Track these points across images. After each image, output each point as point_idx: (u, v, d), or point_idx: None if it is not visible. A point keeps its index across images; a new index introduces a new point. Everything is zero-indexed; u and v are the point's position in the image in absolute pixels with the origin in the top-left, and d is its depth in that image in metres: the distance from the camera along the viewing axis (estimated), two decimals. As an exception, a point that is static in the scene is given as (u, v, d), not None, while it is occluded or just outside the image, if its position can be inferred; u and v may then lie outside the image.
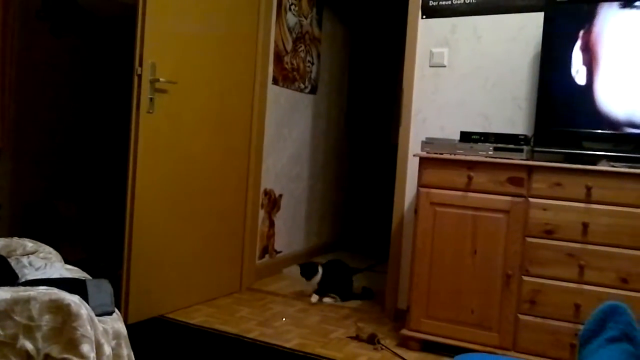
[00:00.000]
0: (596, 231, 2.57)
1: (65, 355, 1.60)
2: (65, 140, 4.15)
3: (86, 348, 1.61)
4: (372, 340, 2.97)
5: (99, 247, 4.14)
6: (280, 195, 4.35)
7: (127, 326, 1.88)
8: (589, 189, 2.58)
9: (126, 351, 1.79)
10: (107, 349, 1.69)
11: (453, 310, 2.82)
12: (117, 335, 1.77)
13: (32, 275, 1.95)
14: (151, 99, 2.98)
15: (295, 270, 4.48)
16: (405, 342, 2.95)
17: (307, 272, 3.61)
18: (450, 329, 2.83)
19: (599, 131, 2.76)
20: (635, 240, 2.51)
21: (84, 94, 4.26)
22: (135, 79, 2.93)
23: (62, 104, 4.11)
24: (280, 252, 4.41)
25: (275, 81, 4.11)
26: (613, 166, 2.61)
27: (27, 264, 2.07)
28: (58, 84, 4.06)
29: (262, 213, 4.09)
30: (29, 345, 1.58)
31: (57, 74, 4.05)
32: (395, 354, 2.87)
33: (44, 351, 1.59)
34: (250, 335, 2.96)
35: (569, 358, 2.57)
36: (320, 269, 3.60)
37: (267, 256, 4.23)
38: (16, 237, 2.27)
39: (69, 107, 4.16)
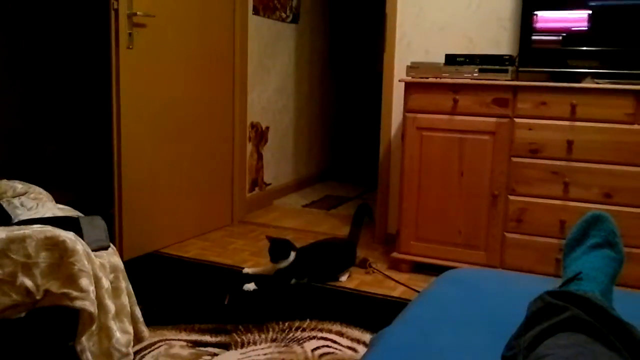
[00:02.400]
0: (580, 148, 2.61)
1: (65, 290, 1.64)
2: (49, 82, 4.08)
3: (85, 282, 1.64)
4: (363, 264, 3.05)
5: (88, 188, 4.15)
6: (267, 128, 4.35)
7: (123, 262, 1.91)
8: (573, 106, 2.60)
9: (124, 284, 1.83)
10: (106, 283, 1.73)
11: (441, 231, 2.89)
12: (114, 269, 1.80)
13: (25, 215, 1.96)
14: (130, 34, 2.91)
15: (286, 200, 4.54)
16: (396, 265, 3.03)
17: (275, 252, 2.80)
18: (439, 250, 2.91)
19: (584, 48, 2.75)
20: (619, 155, 2.56)
21: (65, 32, 4.16)
22: (112, 13, 2.86)
23: (43, 43, 4.01)
24: (269, 184, 4.45)
25: (255, 11, 4.02)
26: (597, 83, 2.62)
27: (19, 205, 2.07)
28: (35, 23, 3.95)
29: (249, 146, 4.09)
30: (28, 282, 1.61)
31: (36, 11, 3.93)
32: (387, 276, 2.95)
33: (44, 287, 1.62)
34: (246, 265, 3.02)
35: (555, 273, 2.66)
36: (293, 254, 2.81)
37: (256, 189, 4.26)
38: (5, 179, 2.27)
39: (50, 46, 4.06)
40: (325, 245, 3.02)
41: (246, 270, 2.93)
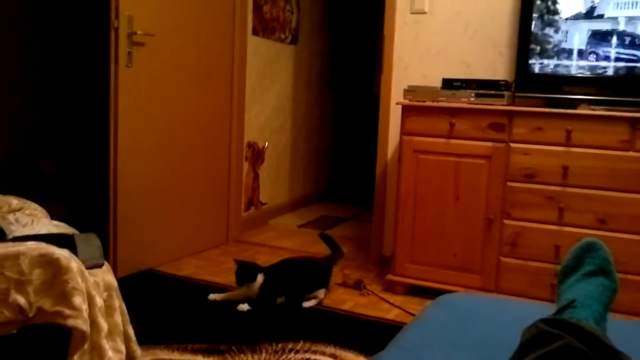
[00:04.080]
0: (576, 174, 2.62)
1: (58, 308, 1.63)
2: (45, 97, 4.09)
3: (78, 300, 1.63)
4: (358, 286, 3.04)
5: (83, 204, 4.14)
6: (264, 147, 4.36)
7: (117, 280, 1.90)
8: (569, 132, 2.61)
9: (118, 302, 1.82)
10: (99, 301, 1.72)
11: (437, 254, 2.89)
12: (108, 287, 1.79)
13: (19, 232, 1.96)
14: (129, 53, 2.93)
15: (281, 220, 4.54)
16: (390, 287, 3.03)
17: (241, 275, 2.75)
18: (434, 273, 2.90)
19: (580, 75, 2.78)
20: (614, 181, 2.57)
21: (62, 49, 4.18)
22: (112, 32, 2.88)
23: (40, 60, 4.03)
24: (265, 203, 4.45)
25: (255, 31, 4.05)
26: (593, 109, 2.64)
27: (14, 221, 2.07)
28: (35, 39, 3.97)
29: (246, 165, 4.10)
30: (21, 300, 1.60)
31: (33, 27, 3.95)
32: (381, 298, 2.95)
33: (36, 304, 1.61)
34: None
35: (549, 297, 2.66)
36: (260, 276, 2.74)
37: (252, 208, 4.26)
38: (0, 195, 2.26)
39: (47, 62, 4.08)
40: (297, 263, 2.95)
41: (212, 296, 2.83)
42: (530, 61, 2.84)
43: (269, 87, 4.38)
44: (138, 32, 2.94)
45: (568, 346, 0.94)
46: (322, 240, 3.16)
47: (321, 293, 2.86)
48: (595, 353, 0.93)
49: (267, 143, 4.33)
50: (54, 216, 2.29)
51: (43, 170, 4.00)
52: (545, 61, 2.82)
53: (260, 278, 2.74)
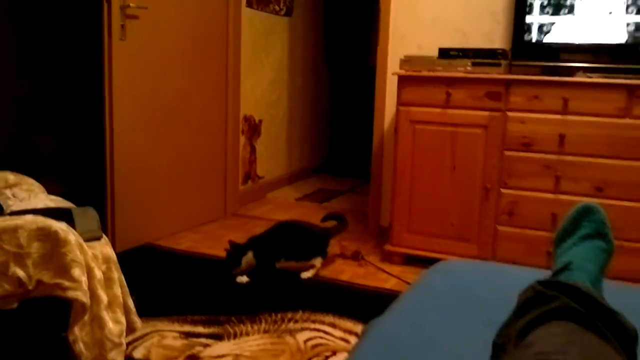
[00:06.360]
0: (572, 142, 2.62)
1: (57, 281, 1.63)
2: (39, 73, 4.05)
3: (77, 272, 1.64)
4: (356, 256, 3.06)
5: (80, 181, 4.13)
6: (260, 121, 4.34)
7: (116, 255, 1.90)
8: (565, 100, 2.61)
9: (117, 274, 1.82)
10: (98, 273, 1.73)
11: (434, 224, 2.90)
12: (106, 260, 1.80)
13: (16, 206, 1.95)
14: (123, 26, 2.90)
15: (279, 193, 4.54)
16: (388, 257, 3.04)
17: (229, 263, 2.76)
18: (432, 243, 2.92)
19: (576, 43, 2.76)
20: (610, 149, 2.57)
21: (57, 23, 4.13)
22: (105, 4, 2.84)
23: (34, 35, 3.98)
24: (262, 177, 4.45)
25: (249, 3, 4.01)
26: (590, 77, 2.63)
27: (11, 196, 2.06)
28: (28, 12, 3.92)
29: (242, 139, 4.09)
30: (20, 272, 1.61)
31: (25, 0, 3.90)
32: (379, 268, 2.97)
33: (36, 277, 1.62)
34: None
35: (546, 265, 2.68)
36: (249, 252, 2.76)
37: (249, 182, 4.26)
38: (-4, 170, 2.26)
39: (41, 37, 4.03)
40: (292, 228, 2.93)
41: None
42: (526, 29, 2.82)
43: (264, 60, 4.34)
44: (131, 4, 2.90)
45: (564, 306, 0.94)
46: (328, 220, 3.11)
47: (318, 262, 2.87)
48: (591, 313, 0.93)
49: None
50: (52, 194, 2.28)
51: (38, 148, 3.99)
52: (542, 29, 2.80)
53: (249, 254, 2.75)
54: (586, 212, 1.19)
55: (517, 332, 0.96)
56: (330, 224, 3.07)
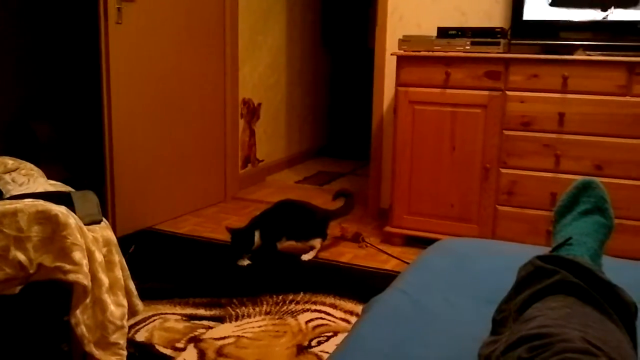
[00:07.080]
0: (572, 121, 2.61)
1: (58, 264, 1.64)
2: (37, 59, 4.03)
3: (78, 255, 1.64)
4: (356, 238, 3.07)
5: (80, 167, 4.13)
6: (259, 104, 4.33)
7: (117, 239, 1.90)
8: (565, 79, 2.59)
9: (117, 257, 1.82)
10: (99, 256, 1.73)
11: (434, 205, 2.90)
12: (107, 243, 1.80)
13: (16, 191, 1.95)
14: (119, 9, 2.88)
15: (279, 177, 4.54)
16: (388, 239, 3.05)
17: (240, 244, 2.75)
18: (432, 224, 2.92)
19: (576, 20, 2.74)
20: (610, 127, 2.57)
21: (54, 7, 4.10)
22: (100, -13, 2.82)
23: (31, 20, 3.96)
24: (262, 160, 4.44)
25: (246, -15, 3.97)
26: (589, 55, 2.61)
27: (10, 181, 2.06)
28: (24, 3, 3.89)
29: (241, 123, 4.07)
30: (21, 256, 1.61)
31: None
32: (380, 249, 2.97)
33: (37, 261, 1.62)
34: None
35: (546, 244, 2.68)
36: (256, 233, 2.75)
37: (249, 165, 4.26)
38: (-5, 156, 2.25)
39: (39, 23, 4.01)
40: (292, 207, 2.93)
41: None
42: (525, 7, 2.80)
43: (262, 43, 4.32)
44: (126, -13, 2.88)
45: (563, 281, 0.94)
46: (338, 197, 3.11)
47: (317, 243, 2.87)
48: (590, 287, 0.94)
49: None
50: (52, 179, 2.28)
51: (37, 135, 3.98)
52: (541, 6, 2.78)
53: (257, 236, 2.75)
54: (585, 188, 1.19)
55: (516, 307, 0.96)
56: (340, 202, 3.06)
